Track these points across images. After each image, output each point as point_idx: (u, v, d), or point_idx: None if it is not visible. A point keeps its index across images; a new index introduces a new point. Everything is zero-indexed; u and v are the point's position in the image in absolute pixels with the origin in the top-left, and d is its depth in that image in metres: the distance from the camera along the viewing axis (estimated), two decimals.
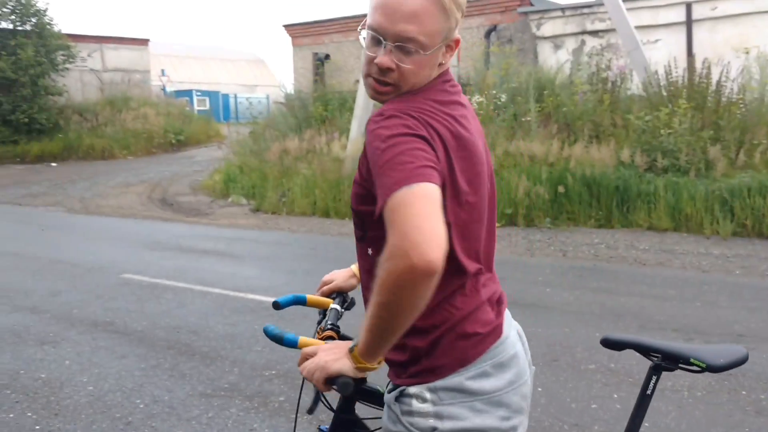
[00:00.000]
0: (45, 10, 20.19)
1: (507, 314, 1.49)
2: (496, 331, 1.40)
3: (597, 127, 9.60)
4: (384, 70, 1.34)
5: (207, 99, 37.46)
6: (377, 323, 1.23)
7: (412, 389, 1.35)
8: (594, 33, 12.68)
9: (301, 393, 1.68)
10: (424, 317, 1.30)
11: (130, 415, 3.55)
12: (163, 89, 34.90)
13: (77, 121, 21.45)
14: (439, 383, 1.35)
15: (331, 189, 10.27)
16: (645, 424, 1.63)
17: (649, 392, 1.50)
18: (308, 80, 16.51)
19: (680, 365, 1.46)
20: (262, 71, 47.10)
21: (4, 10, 19.45)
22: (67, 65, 20.85)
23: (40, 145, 19.71)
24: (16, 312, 5.42)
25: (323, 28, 16.80)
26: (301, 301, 1.83)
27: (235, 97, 38.03)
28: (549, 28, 13.23)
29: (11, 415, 3.58)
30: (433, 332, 1.36)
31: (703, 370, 1.44)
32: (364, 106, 11.29)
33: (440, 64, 1.39)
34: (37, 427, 3.44)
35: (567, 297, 5.55)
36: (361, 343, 1.28)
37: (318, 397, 1.50)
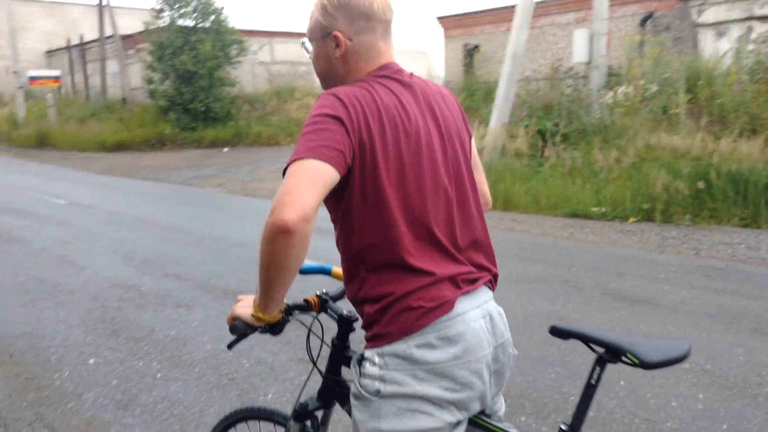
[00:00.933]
0: (222, 9, 21.96)
1: (480, 295, 1.61)
2: (444, 307, 1.51)
3: (753, 120, 8.94)
4: None
5: None
6: (260, 275, 1.45)
7: (367, 353, 1.54)
8: (763, 18, 11.69)
9: (308, 345, 1.90)
10: (375, 287, 1.51)
11: (235, 372, 4.03)
12: None
13: (247, 110, 23.16)
14: (386, 349, 1.50)
15: None
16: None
17: (593, 382, 1.55)
18: (458, 71, 16.68)
19: (621, 359, 1.52)
20: (424, 63, 47.77)
21: (188, 9, 21.41)
22: (240, 58, 22.54)
23: (215, 132, 21.53)
24: (165, 278, 6.19)
25: (475, 19, 16.88)
26: (326, 272, 2.06)
27: None
28: (711, 14, 12.40)
29: (140, 363, 4.19)
30: (382, 301, 1.51)
31: (636, 366, 1.49)
32: (504, 96, 11.29)
33: (344, 60, 1.60)
34: (159, 375, 4.01)
35: (684, 296, 5.35)
36: (257, 295, 1.55)
37: (238, 338, 1.73)
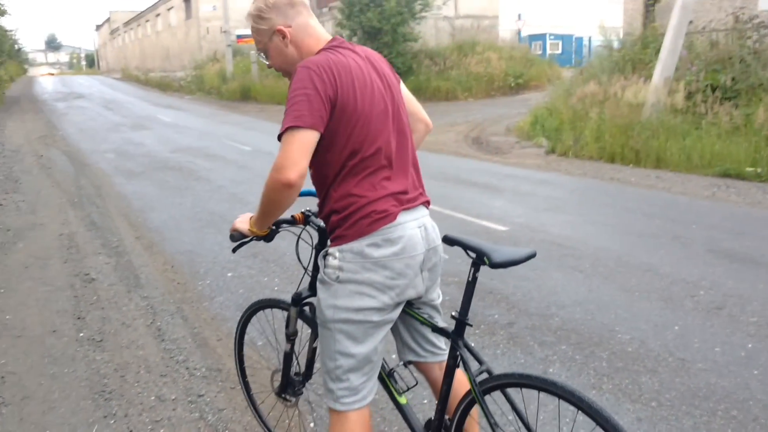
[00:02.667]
0: None
1: (417, 210, 2.08)
2: (389, 218, 1.98)
3: None
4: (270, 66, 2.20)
5: (560, 42, 37.62)
6: (260, 207, 2.02)
7: (330, 250, 2.08)
8: None
9: (297, 250, 2.50)
10: (339, 201, 2.02)
11: None
12: (519, 34, 36.09)
13: (428, 65, 23.80)
14: (344, 246, 2.01)
15: (621, 134, 10.28)
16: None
17: (470, 280, 1.98)
18: (638, 22, 15.94)
19: (482, 261, 1.92)
20: (617, 13, 45.08)
21: None
22: (424, 13, 23.15)
23: None
24: None
25: None
26: (314, 194, 2.56)
27: (590, 39, 37.40)
28: None
29: (265, 279, 5.09)
30: (344, 212, 2.02)
31: (487, 265, 1.91)
32: (670, 48, 10.83)
33: (294, 45, 2.11)
34: (276, 288, 4.88)
35: None
36: (254, 216, 2.14)
37: (237, 245, 2.31)
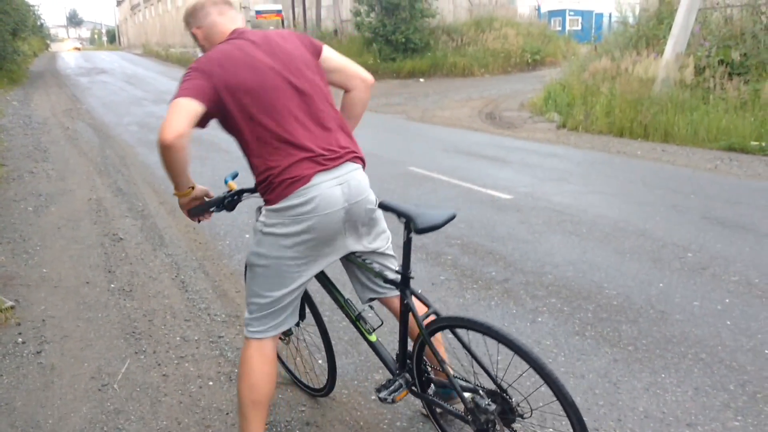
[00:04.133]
0: None
1: (339, 169, 2.25)
2: (303, 180, 2.18)
3: None
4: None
5: (579, 18, 37.40)
6: (165, 171, 2.23)
7: (261, 208, 2.35)
8: None
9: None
10: (260, 173, 2.25)
11: None
12: (538, 9, 35.94)
13: (445, 41, 23.92)
14: (269, 207, 2.26)
15: (630, 109, 10.47)
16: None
17: (405, 240, 2.26)
18: None
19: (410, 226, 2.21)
20: None
21: None
22: None
23: (412, 62, 22.68)
24: None
25: None
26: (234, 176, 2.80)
27: (609, 15, 37.13)
28: None
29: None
30: (265, 182, 2.25)
31: (415, 231, 2.18)
32: (683, 24, 10.96)
33: (207, 41, 2.45)
34: None
35: None
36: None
37: (198, 218, 2.56)
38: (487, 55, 23.17)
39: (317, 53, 2.44)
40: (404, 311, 2.38)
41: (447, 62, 22.64)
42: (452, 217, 2.24)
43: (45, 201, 6.85)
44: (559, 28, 34.19)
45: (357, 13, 23.60)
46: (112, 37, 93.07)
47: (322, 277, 2.69)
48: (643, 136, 10.11)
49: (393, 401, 2.43)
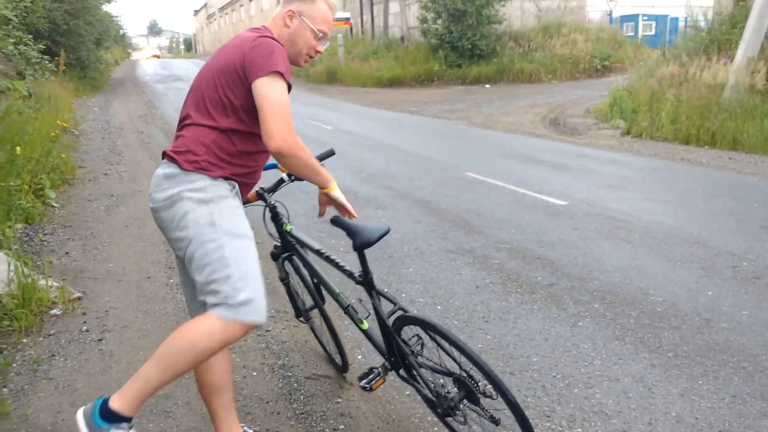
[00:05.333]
0: None
1: (162, 165, 2.28)
2: None
3: None
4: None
5: (653, 23, 36.41)
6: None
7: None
8: None
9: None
10: None
11: (392, 252, 5.23)
12: (609, 15, 35.19)
13: (512, 47, 23.79)
14: None
15: (697, 116, 10.21)
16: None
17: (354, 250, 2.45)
18: (728, 1, 15.45)
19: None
20: None
21: None
22: None
23: (478, 69, 22.65)
24: (378, 187, 7.61)
25: None
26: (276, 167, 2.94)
27: (685, 20, 36.00)
28: None
29: (332, 241, 5.61)
30: None
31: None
32: (755, 27, 10.60)
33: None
34: (341, 249, 5.39)
35: None
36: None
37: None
38: (554, 61, 22.91)
39: (239, 68, 2.20)
40: (375, 309, 2.55)
41: (513, 68, 22.50)
42: (386, 233, 2.44)
43: (116, 201, 7.23)
44: (632, 33, 33.38)
45: (424, 20, 23.75)
46: (189, 46, 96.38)
47: (315, 271, 2.88)
48: (710, 143, 9.84)
49: (371, 389, 2.59)
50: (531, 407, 3.01)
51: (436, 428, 2.87)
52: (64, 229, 6.09)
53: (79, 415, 2.13)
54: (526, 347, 3.61)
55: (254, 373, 3.39)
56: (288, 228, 2.93)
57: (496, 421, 2.35)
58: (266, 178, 2.69)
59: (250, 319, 2.08)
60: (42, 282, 4.28)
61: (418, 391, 2.59)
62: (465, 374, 2.35)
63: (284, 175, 2.87)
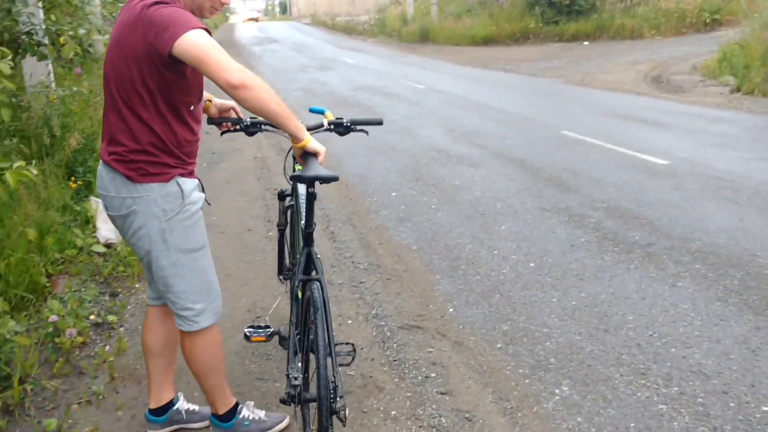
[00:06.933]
0: None
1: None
2: None
3: None
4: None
5: None
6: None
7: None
8: None
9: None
10: None
11: (485, 210, 5.22)
12: None
13: (612, 2, 22.70)
14: None
15: None
16: None
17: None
18: None
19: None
20: None
21: None
22: None
23: (576, 25, 21.79)
24: (470, 146, 7.56)
25: None
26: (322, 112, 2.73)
27: None
28: None
29: (424, 198, 5.67)
30: None
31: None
32: None
33: None
34: (433, 206, 5.44)
35: None
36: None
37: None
38: (659, 15, 21.70)
39: (147, 35, 1.95)
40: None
41: (614, 24, 21.50)
42: (329, 178, 2.12)
43: (217, 158, 7.53)
44: None
45: None
46: (284, 8, 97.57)
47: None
48: None
49: (248, 339, 2.60)
50: (625, 364, 2.98)
51: (527, 381, 2.89)
52: None
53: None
54: (621, 306, 3.55)
55: (349, 321, 3.51)
56: (298, 167, 2.63)
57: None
58: (308, 119, 2.58)
59: (208, 323, 2.27)
60: None
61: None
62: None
63: (325, 121, 2.76)
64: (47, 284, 3.73)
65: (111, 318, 3.55)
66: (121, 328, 3.51)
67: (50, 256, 4.00)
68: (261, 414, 2.52)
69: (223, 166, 7.18)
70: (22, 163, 2.84)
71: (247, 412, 2.49)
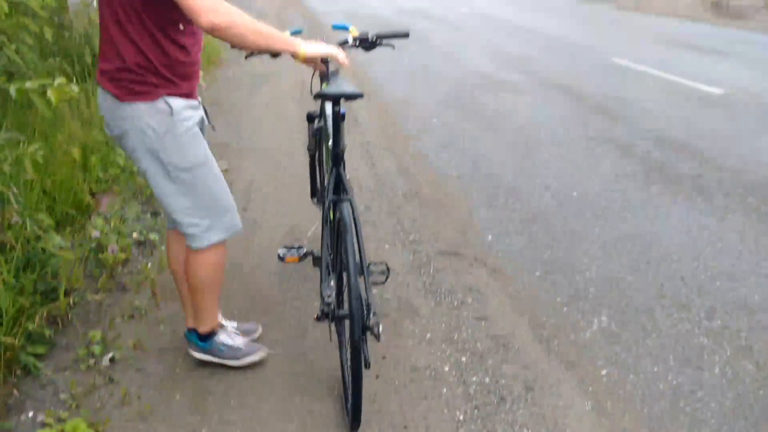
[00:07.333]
0: None
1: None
2: None
3: None
4: None
5: None
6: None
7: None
8: None
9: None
10: None
11: (530, 136, 5.09)
12: None
13: None
14: None
15: None
16: None
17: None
18: None
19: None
20: None
21: None
22: None
23: None
24: (516, 72, 7.34)
25: None
26: (346, 28, 2.63)
27: None
28: None
29: (466, 125, 5.54)
30: None
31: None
32: None
33: None
34: (476, 133, 5.32)
35: None
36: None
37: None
38: None
39: None
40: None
41: None
42: (353, 95, 2.10)
43: (258, 81, 7.47)
44: None
45: None
46: None
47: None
48: None
49: (282, 259, 2.64)
50: (667, 297, 2.92)
51: (564, 309, 2.86)
52: (210, 107, 6.38)
53: (191, 351, 2.46)
54: (665, 238, 3.46)
55: (386, 247, 3.50)
56: (324, 86, 2.52)
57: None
58: (332, 38, 2.48)
59: (216, 239, 2.21)
60: None
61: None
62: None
63: (349, 37, 2.63)
64: (91, 202, 3.79)
65: (153, 236, 3.61)
66: (163, 247, 3.55)
67: (94, 175, 4.05)
68: (239, 342, 2.52)
69: (264, 89, 7.13)
70: (63, 80, 2.83)
71: (225, 337, 2.48)
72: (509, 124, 5.49)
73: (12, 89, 2.85)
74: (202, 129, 2.24)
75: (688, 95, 6.07)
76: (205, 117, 2.24)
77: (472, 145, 5.05)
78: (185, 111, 2.08)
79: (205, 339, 2.46)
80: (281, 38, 2.04)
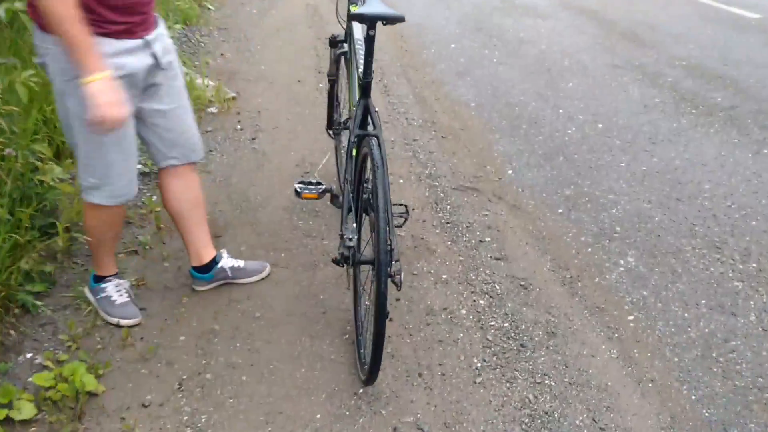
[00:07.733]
0: None
1: None
2: None
3: None
4: None
5: None
6: None
7: None
8: None
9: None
10: None
11: (551, 64, 4.83)
12: None
13: None
14: None
15: None
16: None
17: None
18: None
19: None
20: None
21: None
22: None
23: None
24: None
25: None
26: None
27: None
28: None
29: (486, 51, 5.26)
30: None
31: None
32: None
33: None
34: (495, 61, 5.06)
35: None
36: None
37: None
38: None
39: None
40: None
41: None
42: (395, 18, 1.95)
43: (267, 5, 7.15)
44: None
45: None
46: None
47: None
48: None
49: (299, 195, 2.46)
50: (698, 237, 2.76)
51: (589, 249, 2.72)
52: (219, 32, 6.13)
53: (86, 291, 2.36)
54: (697, 173, 3.27)
55: (401, 181, 3.34)
56: (353, 8, 2.37)
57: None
58: None
59: (97, 201, 2.08)
60: (199, 81, 4.36)
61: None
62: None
63: None
64: None
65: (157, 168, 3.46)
66: None
67: None
68: (242, 263, 2.49)
69: (273, 13, 6.82)
70: None
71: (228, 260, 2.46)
72: (531, 50, 5.21)
73: (1, 11, 2.67)
74: (155, 74, 1.98)
75: (722, 20, 5.73)
76: (156, 59, 1.95)
77: (492, 72, 4.80)
78: (111, 59, 1.80)
79: (205, 271, 2.41)
80: (89, 54, 1.73)
